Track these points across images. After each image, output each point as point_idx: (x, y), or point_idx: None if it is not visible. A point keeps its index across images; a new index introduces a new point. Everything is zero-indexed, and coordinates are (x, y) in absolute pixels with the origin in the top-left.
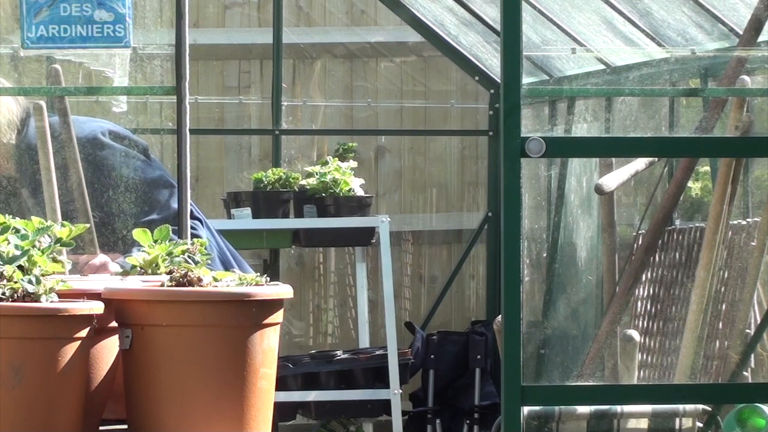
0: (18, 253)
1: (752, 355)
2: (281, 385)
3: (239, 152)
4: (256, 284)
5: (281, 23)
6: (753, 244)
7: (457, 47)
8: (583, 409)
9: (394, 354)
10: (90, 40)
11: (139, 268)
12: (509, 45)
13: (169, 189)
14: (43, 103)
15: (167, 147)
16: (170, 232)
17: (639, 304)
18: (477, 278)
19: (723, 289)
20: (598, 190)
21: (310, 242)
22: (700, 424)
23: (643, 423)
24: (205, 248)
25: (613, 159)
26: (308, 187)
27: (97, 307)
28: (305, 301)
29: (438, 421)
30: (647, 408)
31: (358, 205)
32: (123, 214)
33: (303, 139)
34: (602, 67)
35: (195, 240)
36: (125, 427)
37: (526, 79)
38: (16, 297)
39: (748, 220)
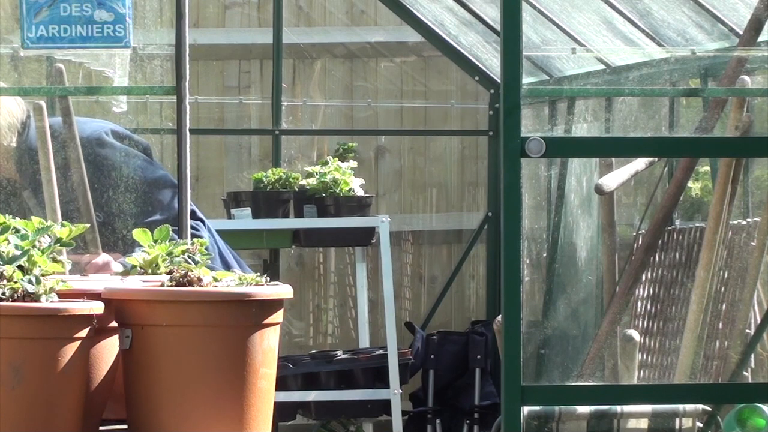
0: (18, 253)
1: (752, 355)
2: (281, 385)
3: (239, 152)
4: (256, 284)
5: (281, 23)
6: (753, 244)
7: (457, 47)
8: (583, 409)
9: (394, 354)
10: (90, 40)
11: (139, 268)
12: (509, 45)
13: (172, 189)
14: (43, 103)
15: (167, 147)
16: (170, 232)
17: (639, 304)
18: (477, 278)
19: (723, 289)
20: (598, 190)
21: (310, 242)
22: (700, 424)
23: (643, 423)
24: (206, 248)
25: (613, 159)
26: (308, 187)
27: (97, 307)
28: (305, 301)
29: (438, 421)
30: (647, 408)
31: (358, 205)
32: (126, 214)
33: (303, 139)
34: (602, 67)
35: (195, 240)
36: (125, 427)
37: (526, 79)
38: (16, 297)
39: (748, 220)
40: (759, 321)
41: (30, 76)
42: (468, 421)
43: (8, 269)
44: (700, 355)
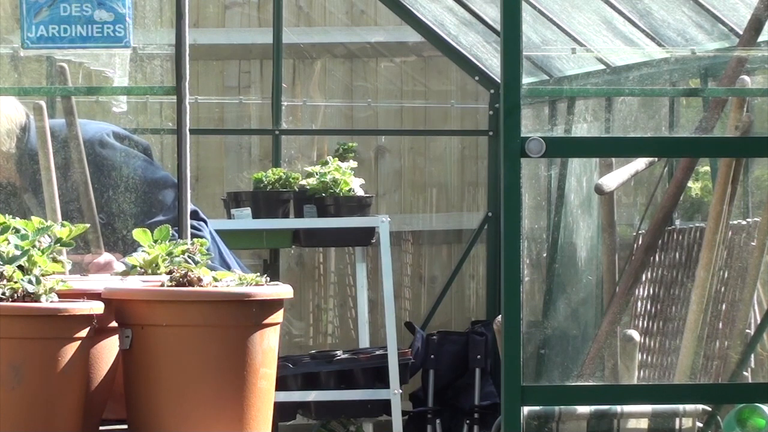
0: (18, 253)
1: (752, 355)
2: (281, 385)
3: (239, 152)
4: (256, 284)
5: (281, 23)
6: (753, 244)
7: (457, 47)
8: (583, 409)
9: (394, 354)
10: (90, 40)
11: (139, 268)
12: (509, 45)
13: (174, 190)
14: (43, 103)
15: (167, 147)
16: (171, 231)
17: (639, 304)
18: (477, 278)
19: (723, 289)
20: (598, 190)
21: (310, 242)
22: (700, 424)
23: (643, 423)
24: (206, 249)
25: (613, 159)
26: (308, 187)
27: (97, 307)
28: (305, 301)
29: (438, 421)
30: (647, 408)
31: (358, 205)
32: (128, 215)
33: (303, 139)
34: (602, 67)
35: (195, 240)
36: (125, 427)
37: (526, 79)
38: (16, 297)
39: (748, 220)
40: (759, 321)
41: (30, 76)
42: (468, 421)
43: (8, 269)
44: (700, 355)
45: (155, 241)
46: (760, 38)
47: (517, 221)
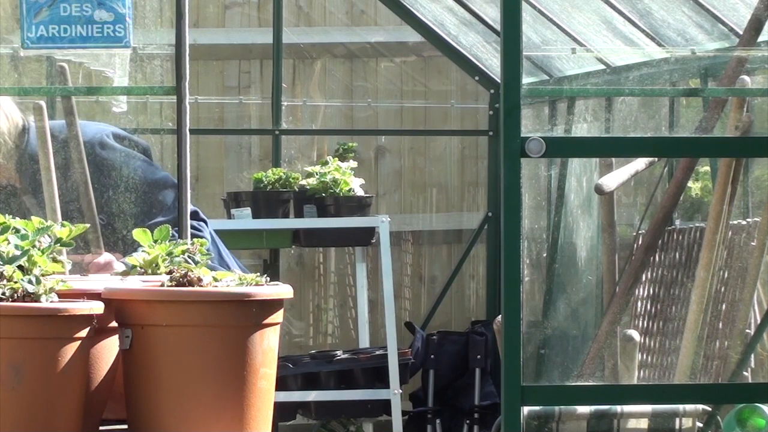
0: (18, 253)
1: (752, 355)
2: (281, 385)
3: (239, 152)
4: (256, 284)
5: (281, 23)
6: (753, 244)
7: (457, 47)
8: (583, 409)
9: (394, 354)
10: (90, 40)
11: (139, 268)
12: (509, 45)
13: (174, 191)
14: (43, 103)
15: (167, 147)
16: (171, 231)
17: (639, 304)
18: (477, 278)
19: (723, 289)
20: (598, 190)
21: (310, 242)
22: (700, 424)
23: (643, 423)
24: (206, 249)
25: (613, 159)
26: (308, 187)
27: (97, 307)
28: (305, 301)
29: (438, 421)
30: (647, 408)
31: (358, 205)
32: (128, 215)
33: (303, 139)
34: (602, 67)
35: (195, 240)
36: (125, 427)
37: (526, 79)
38: (16, 297)
39: (748, 220)
40: (759, 321)
41: (30, 76)
42: (468, 421)
43: (8, 269)
44: (700, 355)
45: (155, 241)
46: (760, 38)
47: (517, 221)
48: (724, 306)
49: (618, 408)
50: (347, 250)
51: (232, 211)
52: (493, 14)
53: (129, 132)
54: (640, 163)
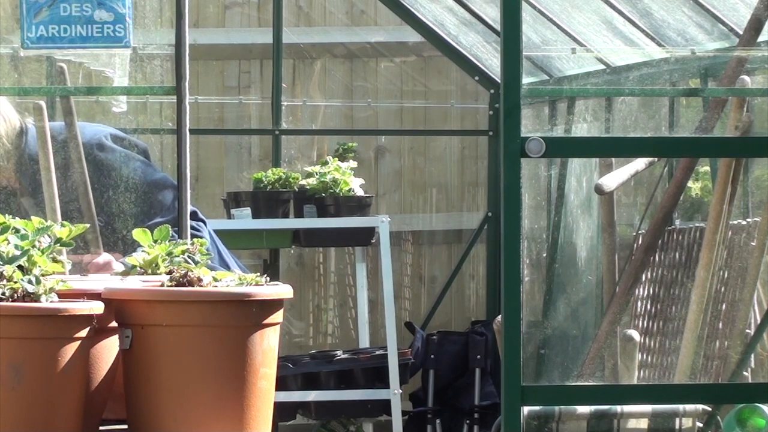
0: (18, 253)
1: (752, 355)
2: (281, 385)
3: (239, 152)
4: (256, 284)
5: (281, 23)
6: (753, 244)
7: (457, 47)
8: (583, 409)
9: (394, 354)
10: (90, 40)
11: (139, 268)
12: (509, 45)
13: (173, 191)
14: (43, 103)
15: (167, 147)
16: (170, 232)
17: (639, 304)
18: (477, 278)
19: (723, 289)
20: (598, 190)
21: (310, 242)
22: (700, 424)
23: (643, 423)
24: (205, 248)
25: (613, 159)
26: (308, 187)
27: (97, 307)
28: (305, 301)
29: (438, 421)
30: (647, 408)
31: (358, 205)
32: (127, 216)
33: (303, 139)
34: (602, 67)
35: (195, 240)
36: (125, 427)
37: (526, 79)
38: (16, 297)
39: (748, 220)
40: (759, 321)
41: (30, 76)
42: (468, 421)
43: (8, 269)
44: (700, 355)
45: (155, 241)
46: (760, 38)
47: (517, 221)
48: (724, 306)
49: (618, 408)
50: (347, 250)
51: (232, 211)
52: (493, 14)
53: (129, 132)
54: (640, 163)
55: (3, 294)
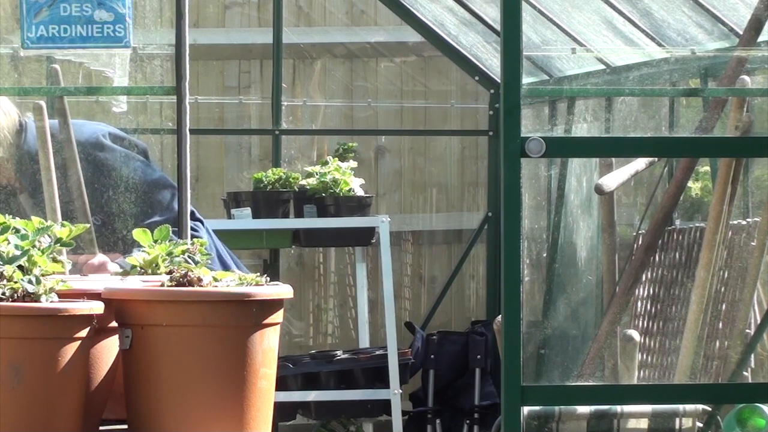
0: (18, 253)
1: (752, 355)
2: (281, 385)
3: (239, 152)
4: (256, 284)
5: (281, 23)
6: (753, 244)
7: (457, 47)
8: (583, 409)
9: (394, 354)
10: (90, 40)
11: (139, 268)
12: (509, 45)
13: (171, 191)
14: (43, 103)
15: (167, 147)
16: (170, 232)
17: (639, 304)
18: (477, 278)
19: (723, 289)
20: (598, 190)
21: (310, 242)
22: (700, 424)
23: (643, 423)
24: (205, 248)
25: (613, 159)
26: (308, 187)
27: (97, 307)
28: (305, 301)
29: (438, 421)
30: (647, 408)
31: (358, 205)
32: (125, 215)
33: (303, 139)
34: (602, 67)
35: (195, 240)
36: (125, 427)
37: (526, 79)
38: (16, 297)
39: (748, 220)
40: (759, 321)
41: (30, 76)
42: (468, 421)
43: (8, 269)
44: (700, 355)
45: (155, 241)
46: (760, 38)
47: (517, 221)
48: (724, 306)
49: (618, 408)
50: (347, 250)
51: (232, 211)
52: (493, 14)
53: (129, 132)
54: (640, 163)
55: (3, 294)
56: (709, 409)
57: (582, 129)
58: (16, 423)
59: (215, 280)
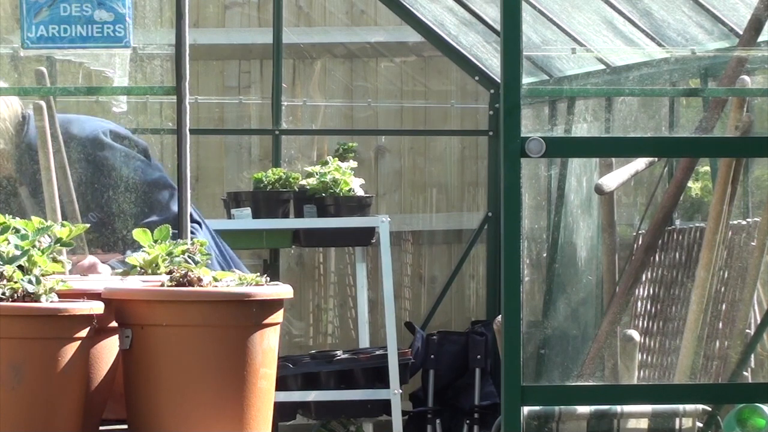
0: (18, 253)
1: (752, 355)
2: (281, 385)
3: (239, 152)
4: (256, 284)
5: (281, 23)
6: (753, 244)
7: (457, 47)
8: (583, 409)
9: (394, 354)
10: (90, 40)
11: (139, 268)
12: (509, 45)
13: (169, 190)
14: (43, 103)
15: (167, 147)
16: (170, 232)
17: (639, 304)
18: (477, 278)
19: (723, 289)
20: (598, 190)
21: (310, 242)
22: (700, 424)
23: (643, 423)
24: (205, 248)
25: (613, 159)
26: (308, 187)
27: (97, 307)
28: (305, 301)
29: (438, 421)
30: (647, 408)
31: (358, 205)
32: (123, 215)
33: (303, 139)
34: (602, 67)
35: (195, 240)
36: (125, 427)
37: (526, 79)
38: (16, 297)
39: (748, 220)
40: (759, 321)
41: (30, 76)
42: (468, 421)
43: (8, 269)
44: (700, 355)
45: (155, 241)
46: (760, 38)
47: (517, 221)
48: (724, 306)
49: (618, 408)
50: (347, 250)
51: (232, 211)
52: (493, 14)
53: (129, 131)
54: (640, 163)
55: (3, 294)
56: (709, 409)
57: (582, 129)
58: (16, 423)
59: (215, 280)
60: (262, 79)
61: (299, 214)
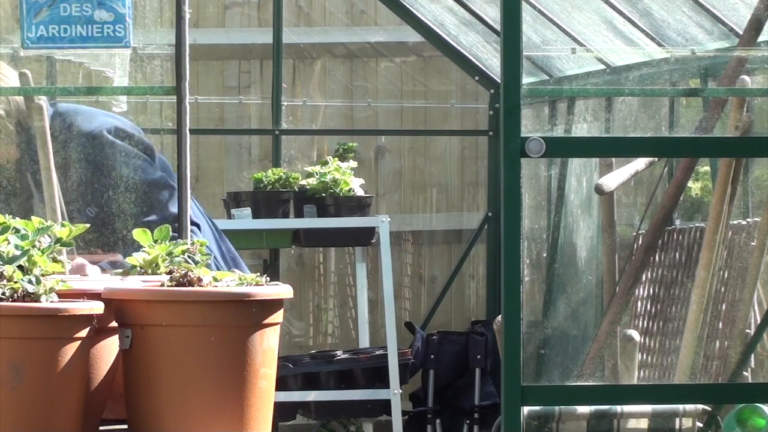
0: (18, 253)
1: (752, 355)
2: (281, 385)
3: (239, 152)
4: (256, 284)
5: (281, 23)
6: (753, 244)
7: (457, 47)
8: (583, 409)
9: (394, 354)
10: (90, 40)
11: (139, 268)
12: (509, 45)
13: (169, 191)
14: (43, 103)
15: (167, 147)
16: (170, 232)
17: (639, 304)
18: (477, 278)
19: (723, 289)
20: (598, 190)
21: (310, 242)
22: (700, 424)
23: (643, 423)
24: (205, 248)
25: (613, 159)
26: (308, 187)
27: (97, 307)
28: (305, 301)
29: (438, 421)
30: (647, 408)
31: (358, 205)
32: (122, 214)
33: (303, 139)
34: (602, 67)
35: (195, 240)
36: (125, 427)
37: (526, 79)
38: (16, 297)
39: (748, 220)
40: (759, 321)
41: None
42: (468, 421)
43: (8, 269)
44: (700, 355)
45: (155, 241)
46: (760, 38)
47: (517, 221)
48: (724, 306)
49: (618, 408)
50: (347, 250)
51: (232, 211)
52: (493, 14)
53: (136, 129)
54: (640, 163)
55: (3, 294)
56: (709, 409)
57: (582, 129)
58: (16, 423)
59: (215, 280)
60: (262, 79)
61: (299, 214)
